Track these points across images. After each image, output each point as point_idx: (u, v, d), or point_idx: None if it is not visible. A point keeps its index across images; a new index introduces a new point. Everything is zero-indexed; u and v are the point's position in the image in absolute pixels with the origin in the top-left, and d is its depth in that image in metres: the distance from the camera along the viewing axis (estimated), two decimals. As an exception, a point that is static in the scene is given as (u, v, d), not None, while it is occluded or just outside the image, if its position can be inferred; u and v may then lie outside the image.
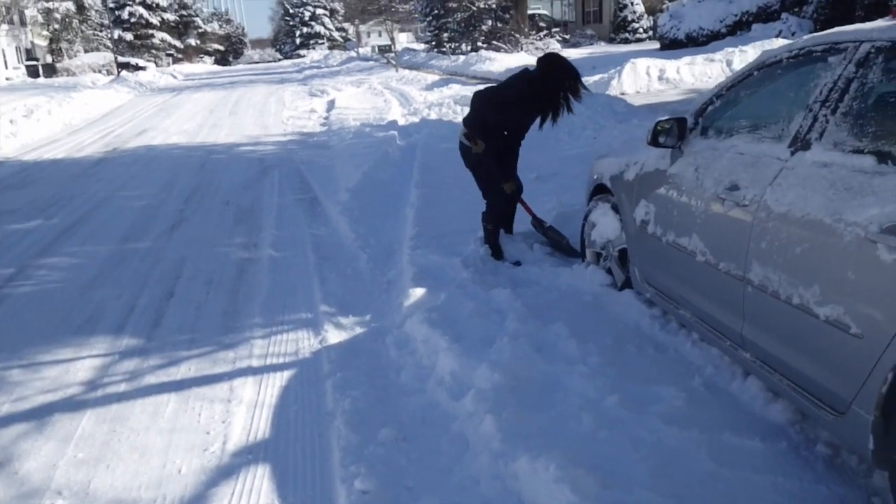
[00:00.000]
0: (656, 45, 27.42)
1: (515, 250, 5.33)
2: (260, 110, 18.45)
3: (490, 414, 2.87)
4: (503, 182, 5.13)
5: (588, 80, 17.26)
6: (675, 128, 3.57)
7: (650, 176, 3.81)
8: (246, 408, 3.38)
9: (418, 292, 4.37)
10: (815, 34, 3.00)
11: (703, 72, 15.37)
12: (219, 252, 6.06)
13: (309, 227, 6.67)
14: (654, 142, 3.59)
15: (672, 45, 24.08)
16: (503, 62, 24.62)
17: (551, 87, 4.88)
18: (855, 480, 2.52)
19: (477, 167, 5.20)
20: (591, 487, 2.38)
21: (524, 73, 5.06)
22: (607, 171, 4.39)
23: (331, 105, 17.69)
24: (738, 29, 22.54)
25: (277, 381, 3.63)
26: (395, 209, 6.99)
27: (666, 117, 3.59)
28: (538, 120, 5.11)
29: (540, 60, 5.02)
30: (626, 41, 33.89)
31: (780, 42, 16.25)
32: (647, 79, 14.90)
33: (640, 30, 34.80)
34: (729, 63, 15.37)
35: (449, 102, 14.88)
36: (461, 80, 22.67)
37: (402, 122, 13.14)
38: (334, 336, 4.09)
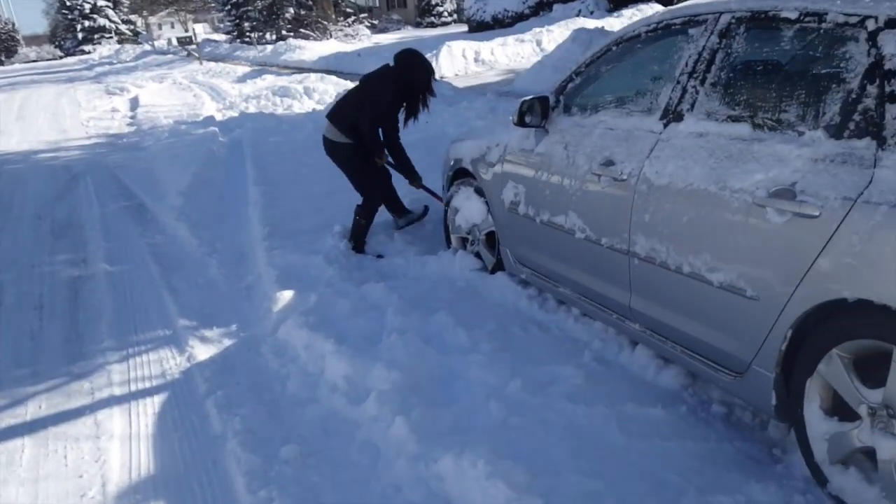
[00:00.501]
0: (463, 27, 28.13)
1: (376, 242, 5.21)
2: (52, 113, 16.77)
3: (399, 415, 2.77)
4: (378, 156, 5.02)
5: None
6: (538, 107, 3.61)
7: (516, 157, 3.83)
8: (119, 442, 3.02)
9: (286, 295, 4.13)
10: (671, 7, 3.13)
11: (515, 52, 15.94)
12: (42, 272, 5.42)
13: (143, 237, 6.14)
14: (520, 122, 3.61)
15: (480, 28, 24.78)
16: (314, 50, 24.16)
17: (413, 85, 4.90)
18: (753, 434, 2.68)
19: (348, 163, 5.07)
20: (521, 478, 2.35)
21: (387, 72, 4.98)
22: (467, 154, 4.38)
23: (134, 103, 16.45)
24: (540, 10, 23.60)
25: (149, 407, 3.28)
26: (236, 209, 6.60)
27: (529, 97, 3.62)
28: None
29: (401, 59, 4.96)
30: (433, 25, 34.51)
31: (581, 21, 17.20)
32: (464, 61, 15.21)
33: (445, 13, 35.54)
34: (539, 42, 16.05)
35: (267, 94, 14.33)
36: (273, 70, 21.94)
37: (219, 117, 12.47)
38: (202, 351, 3.78)
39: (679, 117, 2.82)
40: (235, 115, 12.52)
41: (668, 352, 2.93)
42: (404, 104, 5.04)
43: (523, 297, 3.98)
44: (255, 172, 7.56)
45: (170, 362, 3.71)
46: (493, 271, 4.33)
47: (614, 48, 3.34)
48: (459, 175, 4.58)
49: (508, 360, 3.26)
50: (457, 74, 15.43)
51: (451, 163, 4.64)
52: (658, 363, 3.12)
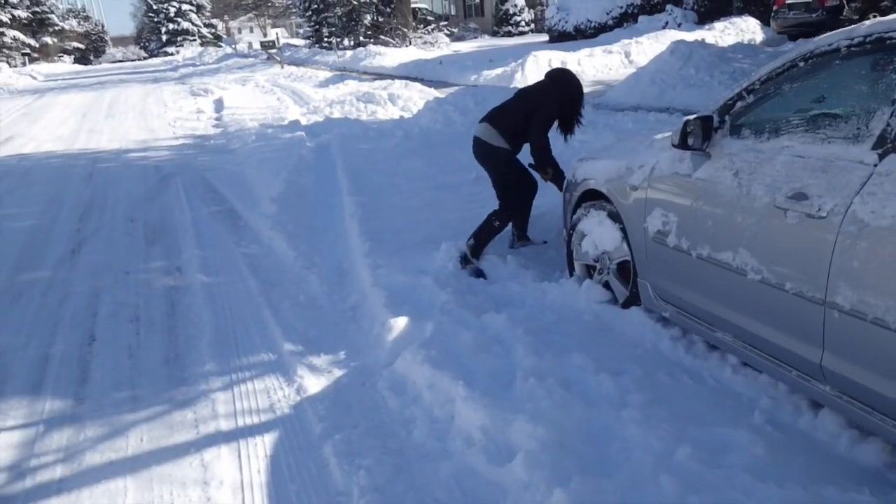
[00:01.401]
0: (543, 37, 27.66)
1: (486, 263, 4.84)
2: (140, 112, 17.04)
3: (557, 487, 2.37)
4: (546, 169, 4.86)
5: (490, 73, 17.10)
6: (699, 127, 3.18)
7: (667, 181, 3.41)
8: (231, 491, 2.72)
9: (400, 323, 3.79)
10: (884, 19, 2.66)
11: (603, 63, 15.43)
12: (137, 280, 5.23)
13: (238, 246, 5.91)
14: (682, 144, 3.19)
15: (561, 38, 24.29)
16: (394, 57, 24.08)
17: (572, 101, 4.86)
18: None
19: (502, 169, 4.94)
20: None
21: (547, 87, 4.87)
22: (601, 174, 3.97)
23: (219, 105, 16.57)
24: (625, 20, 22.99)
25: (260, 449, 2.97)
26: (331, 221, 6.34)
27: (692, 116, 3.19)
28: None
29: (559, 75, 4.91)
30: (510, 34, 34.13)
31: (673, 34, 16.55)
32: (551, 71, 14.77)
33: (522, 23, 35.12)
34: (627, 54, 15.50)
35: (351, 100, 14.19)
36: (353, 75, 21.95)
37: (304, 121, 12.37)
38: (312, 382, 3.46)
39: (905, 147, 2.35)
40: (320, 119, 12.40)
41: (869, 422, 2.46)
42: (556, 121, 4.90)
43: (665, 338, 3.54)
44: (349, 181, 7.30)
45: (278, 393, 3.40)
46: (625, 305, 3.90)
47: (801, 63, 2.88)
48: (588, 197, 4.17)
49: (667, 418, 2.84)
50: (543, 84, 14.99)
51: (579, 183, 4.24)
52: (852, 434, 2.65)
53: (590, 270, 4.24)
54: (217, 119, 14.44)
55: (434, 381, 3.17)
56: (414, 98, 13.99)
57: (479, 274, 4.70)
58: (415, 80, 17.46)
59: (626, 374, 3.19)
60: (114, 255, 5.90)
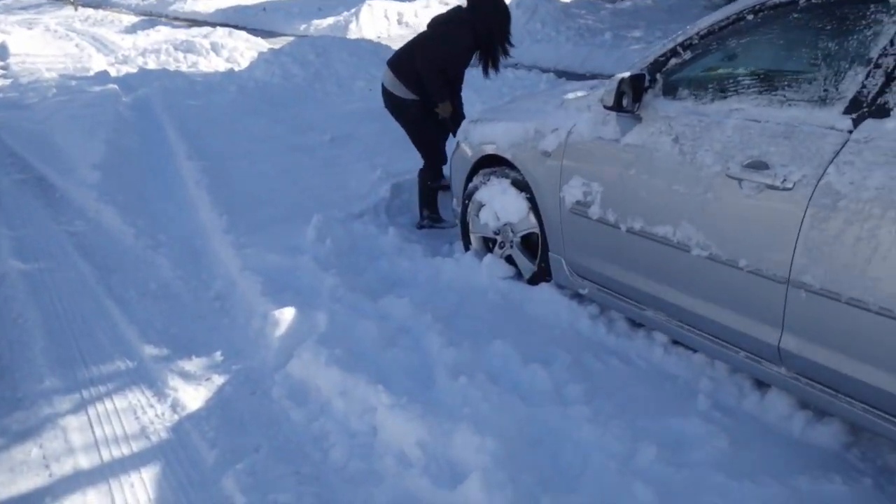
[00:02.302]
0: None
1: (365, 234, 4.36)
2: None
3: (529, 512, 2.02)
4: (441, 103, 4.40)
5: (321, 22, 16.19)
6: (629, 87, 2.89)
7: (589, 147, 3.11)
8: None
9: (286, 315, 3.24)
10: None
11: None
12: (-70, 273, 4.21)
13: (57, 223, 4.97)
14: (617, 105, 2.88)
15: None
16: (210, 2, 22.21)
17: (492, 30, 4.30)
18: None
19: (414, 123, 4.55)
20: None
21: (462, 15, 4.31)
22: (503, 139, 3.60)
23: (3, 51, 14.36)
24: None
25: (140, 491, 2.36)
26: (170, 190, 5.53)
27: (626, 74, 2.88)
28: (479, 66, 4.56)
29: (478, 1, 4.28)
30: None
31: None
32: (386, 23, 14.22)
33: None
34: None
35: (168, 49, 12.84)
36: (163, 20, 20.02)
37: (113, 72, 10.99)
38: (189, 395, 2.86)
39: (883, 112, 2.17)
40: (133, 70, 11.09)
41: (831, 404, 2.34)
42: (476, 54, 4.45)
43: (583, 317, 3.29)
44: (184, 143, 6.43)
45: (148, 413, 2.77)
46: (532, 281, 3.61)
47: (750, 16, 2.64)
48: (486, 163, 3.80)
49: (613, 412, 2.58)
50: (378, 37, 14.40)
51: (474, 147, 3.86)
52: (805, 415, 2.52)
53: (488, 244, 3.91)
54: (3, 68, 12.49)
55: (345, 387, 2.70)
56: (240, 48, 12.90)
57: (453, 223, 4.40)
58: (236, 27, 16.16)
59: (555, 362, 2.90)
60: None
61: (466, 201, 3.90)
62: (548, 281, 3.54)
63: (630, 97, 2.88)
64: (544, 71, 9.35)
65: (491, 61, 4.45)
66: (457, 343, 2.98)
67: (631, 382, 2.80)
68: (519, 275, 3.71)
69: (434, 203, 4.65)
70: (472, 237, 3.94)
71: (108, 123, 7.22)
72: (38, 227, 4.90)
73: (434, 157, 4.58)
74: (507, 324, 3.28)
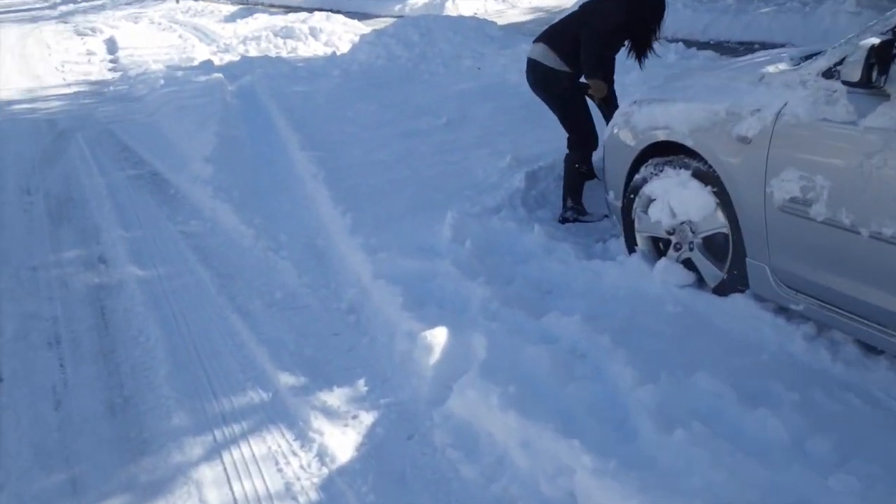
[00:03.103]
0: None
1: (505, 231, 3.87)
2: (20, 55, 14.82)
3: None
4: (595, 83, 4.01)
5: (415, 2, 15.74)
6: (874, 57, 2.26)
7: (811, 131, 2.49)
8: None
9: (438, 336, 2.78)
10: None
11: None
12: (49, 280, 3.98)
13: (173, 222, 4.70)
14: (866, 79, 2.26)
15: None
16: (304, -14, 22.07)
17: (646, 17, 3.95)
18: None
19: (564, 95, 4.12)
20: None
21: None
22: (681, 122, 3.01)
23: (112, 45, 14.60)
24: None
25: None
26: (284, 183, 5.20)
27: (874, 40, 2.26)
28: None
29: None
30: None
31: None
32: (482, -1, 13.60)
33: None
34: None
35: (267, 35, 12.69)
36: (260, 8, 20.05)
37: (216, 61, 10.87)
38: (336, 439, 2.45)
39: None
40: (236, 59, 10.94)
41: None
42: (627, 42, 4.08)
43: (796, 338, 2.69)
44: (295, 132, 6.10)
45: (292, 464, 2.36)
46: (718, 291, 3.03)
47: None
48: (654, 151, 3.22)
49: (883, 480, 1.98)
50: (476, 13, 13.82)
51: (640, 133, 3.28)
52: None
53: (658, 245, 3.34)
54: (113, 62, 12.63)
55: (526, 436, 2.21)
56: (338, 32, 12.62)
57: (605, 217, 4.03)
58: (331, 11, 15.90)
59: (778, 402, 2.32)
60: (11, 244, 4.58)
61: (631, 196, 3.34)
62: (741, 291, 2.95)
63: (876, 70, 2.26)
64: (669, 41, 8.57)
65: (641, 48, 4.07)
66: (651, 375, 2.44)
67: (886, 432, 2.20)
68: (700, 282, 3.13)
69: (580, 192, 4.13)
70: (639, 237, 3.38)
71: (216, 114, 7.00)
72: (154, 227, 4.63)
73: (585, 136, 4.09)
74: (699, 345, 2.73)
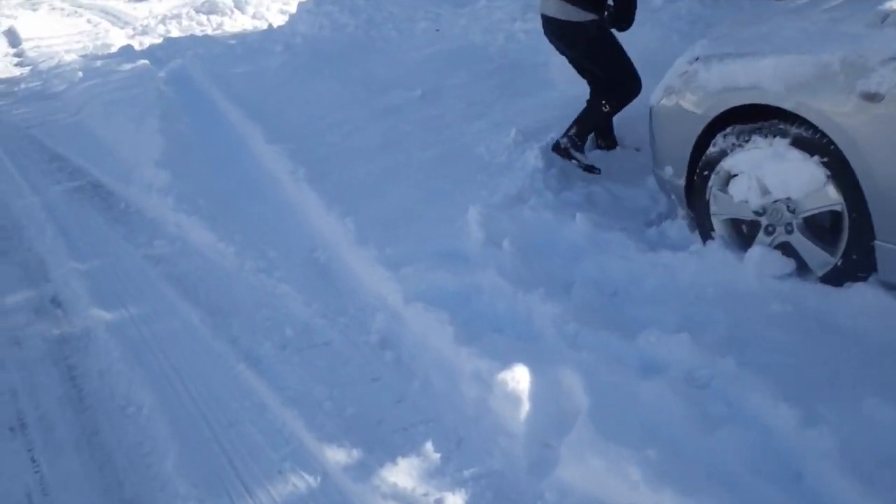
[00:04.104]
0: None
1: (540, 224, 3.31)
2: None
3: None
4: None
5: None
6: None
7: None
8: None
9: (519, 378, 2.22)
10: None
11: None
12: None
13: (133, 244, 3.98)
14: None
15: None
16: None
17: None
18: None
19: (593, 44, 3.67)
20: None
21: None
22: (776, 79, 2.48)
23: (13, 38, 13.22)
24: None
25: None
26: (255, 184, 4.51)
27: None
28: None
29: None
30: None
31: None
32: (422, -46, 12.75)
33: None
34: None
35: (188, 12, 11.65)
36: (171, -17, 18.66)
37: (137, 46, 9.87)
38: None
39: None
40: (158, 41, 9.95)
41: None
42: None
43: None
44: (252, 123, 5.35)
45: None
46: (829, 279, 2.54)
47: None
48: (731, 118, 2.69)
49: None
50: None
51: (704, 98, 2.74)
52: None
53: (740, 228, 2.82)
54: (18, 55, 11.41)
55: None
56: (265, 2, 11.69)
57: (591, 169, 3.71)
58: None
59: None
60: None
61: (705, 172, 2.80)
62: (861, 279, 2.47)
63: None
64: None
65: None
66: (806, 406, 1.93)
67: None
68: (800, 270, 2.64)
69: (588, 132, 3.80)
70: (716, 220, 2.86)
71: (152, 107, 6.18)
72: (111, 254, 3.89)
73: (628, 79, 3.67)
74: (838, 355, 2.24)
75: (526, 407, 2.15)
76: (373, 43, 7.60)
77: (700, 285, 2.72)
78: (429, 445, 2.19)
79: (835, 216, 2.51)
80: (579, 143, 3.72)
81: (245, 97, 6.08)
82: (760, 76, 2.53)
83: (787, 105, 2.45)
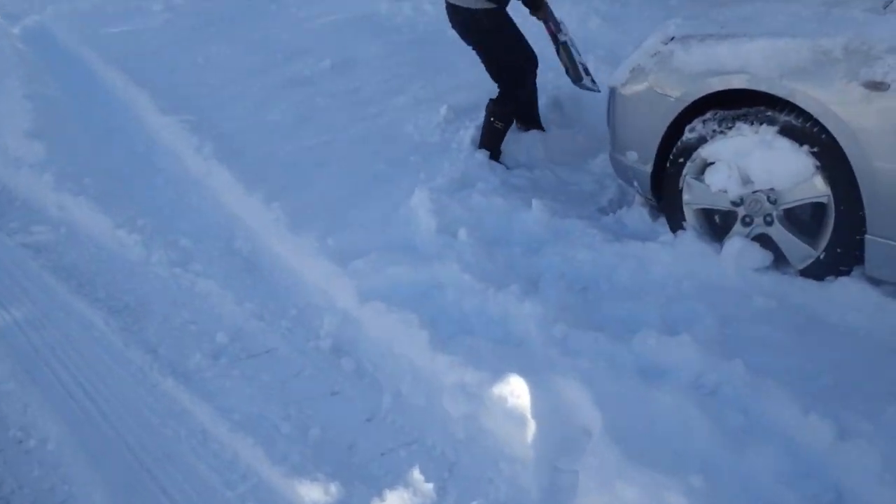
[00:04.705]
0: None
1: (492, 210, 3.06)
2: None
3: None
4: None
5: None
6: None
7: None
8: None
9: (514, 391, 1.97)
10: None
11: None
12: None
13: (5, 232, 3.38)
14: None
15: None
16: None
17: None
18: None
19: (489, 36, 3.36)
20: None
21: None
22: (767, 65, 2.33)
23: None
24: None
25: None
26: (151, 160, 4.00)
27: None
28: None
29: None
30: None
31: None
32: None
33: None
34: None
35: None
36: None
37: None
38: None
39: None
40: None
41: None
42: None
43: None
44: (140, 90, 4.76)
45: None
46: (810, 273, 2.45)
47: None
48: (709, 104, 2.54)
49: None
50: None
51: (682, 82, 2.57)
52: None
53: (712, 219, 2.69)
54: None
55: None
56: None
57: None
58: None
59: None
60: None
61: (680, 160, 2.64)
62: (844, 273, 2.39)
63: None
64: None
65: None
66: (832, 415, 1.80)
67: None
68: (776, 262, 2.54)
69: (498, 147, 3.50)
70: (688, 210, 2.70)
71: (12, 69, 5.43)
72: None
73: (510, 87, 3.43)
74: (836, 356, 2.14)
75: (527, 424, 1.90)
76: (263, 5, 7.02)
77: (675, 278, 2.56)
78: (416, 474, 1.90)
79: (817, 208, 2.41)
80: (496, 156, 3.50)
81: (126, 61, 5.42)
82: (750, 60, 2.38)
83: (779, 91, 2.31)
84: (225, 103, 4.49)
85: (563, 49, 3.45)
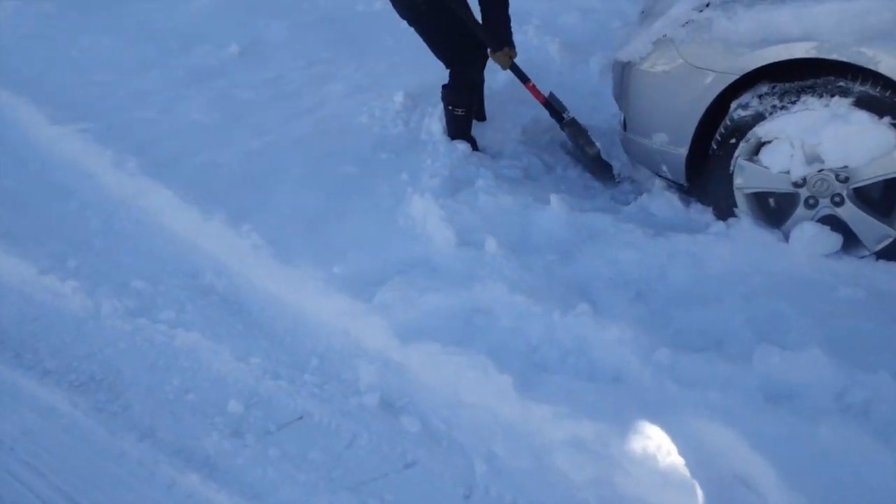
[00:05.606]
0: None
1: (502, 210, 2.69)
2: None
3: None
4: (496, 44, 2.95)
5: None
6: None
7: None
8: None
9: (659, 446, 1.64)
10: None
11: None
12: None
13: None
14: None
15: None
16: None
17: None
18: None
19: (425, 18, 2.97)
20: None
21: None
22: (840, 30, 2.09)
23: None
24: None
25: None
26: (52, 183, 3.28)
27: None
28: None
29: None
30: None
31: None
32: None
33: None
34: None
35: None
36: None
37: None
38: None
39: None
40: None
41: None
42: None
43: None
44: (14, 95, 3.97)
45: None
46: (887, 255, 2.27)
47: None
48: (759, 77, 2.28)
49: None
50: None
51: (737, 52, 2.29)
52: None
53: (766, 203, 2.45)
54: None
55: None
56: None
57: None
58: None
59: None
60: None
61: (732, 140, 2.36)
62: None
63: None
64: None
65: None
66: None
67: None
68: (847, 246, 2.34)
69: (468, 133, 3.17)
70: (739, 195, 2.44)
71: None
72: None
73: (457, 68, 3.06)
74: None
75: (679, 485, 1.56)
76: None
77: (741, 274, 2.31)
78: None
79: (889, 184, 2.22)
80: (472, 143, 3.14)
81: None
82: (816, 25, 2.12)
83: (859, 59, 2.08)
84: (126, 104, 3.82)
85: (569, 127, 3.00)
